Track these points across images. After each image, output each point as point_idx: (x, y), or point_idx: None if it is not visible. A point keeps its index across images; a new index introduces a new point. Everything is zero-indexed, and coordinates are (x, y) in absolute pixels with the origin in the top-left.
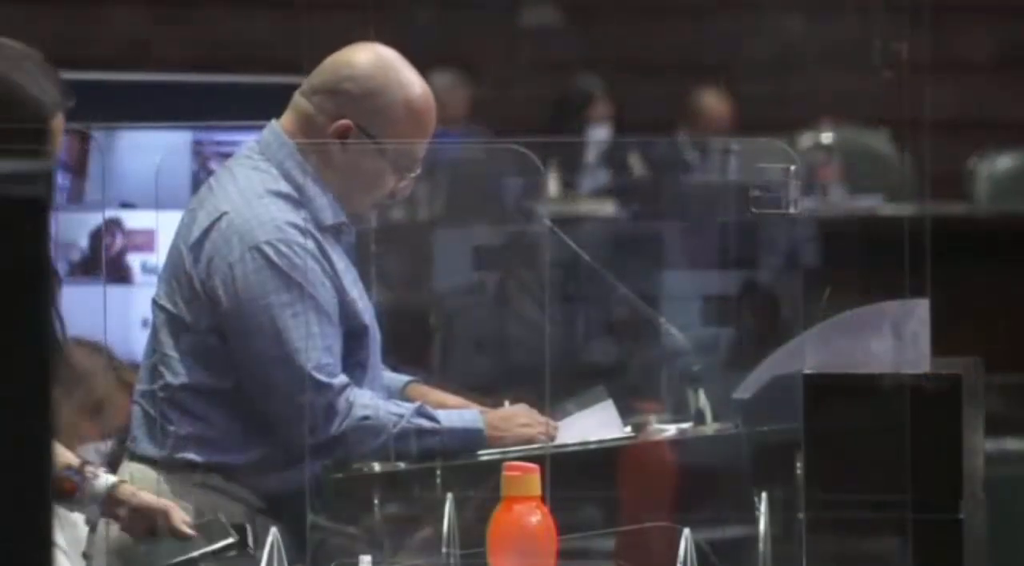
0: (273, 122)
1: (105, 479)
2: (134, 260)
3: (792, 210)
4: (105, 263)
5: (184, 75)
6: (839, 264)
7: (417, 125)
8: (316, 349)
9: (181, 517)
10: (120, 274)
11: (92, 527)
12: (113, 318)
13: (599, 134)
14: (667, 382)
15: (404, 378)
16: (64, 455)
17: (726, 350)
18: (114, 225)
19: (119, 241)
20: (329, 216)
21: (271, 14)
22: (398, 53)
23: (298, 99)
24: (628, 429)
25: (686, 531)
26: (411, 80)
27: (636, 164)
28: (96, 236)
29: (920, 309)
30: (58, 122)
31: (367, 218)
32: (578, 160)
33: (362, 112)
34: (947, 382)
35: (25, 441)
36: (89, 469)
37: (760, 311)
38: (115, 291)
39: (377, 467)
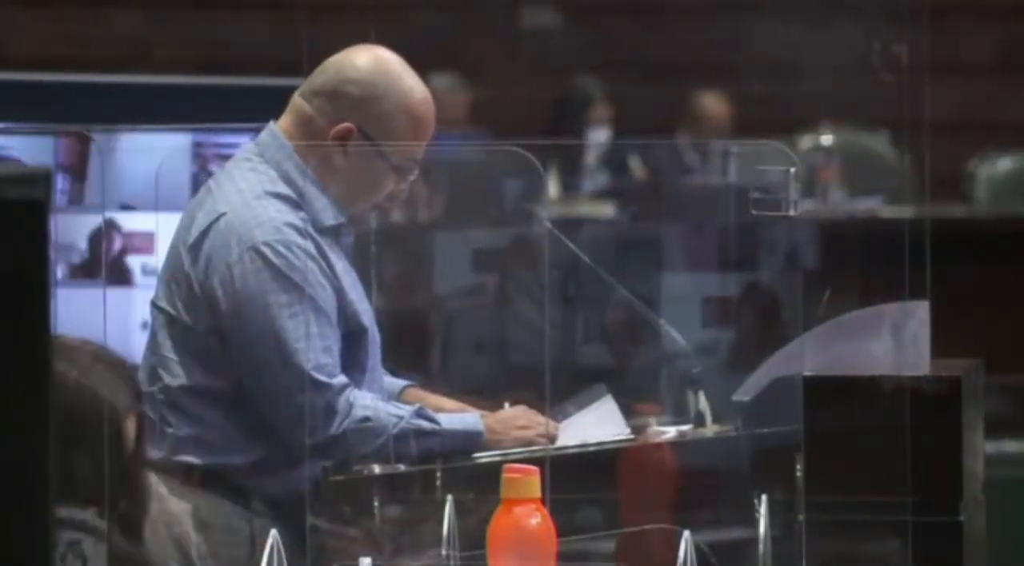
0: (271, 124)
1: None
2: (134, 262)
3: (792, 212)
4: (105, 265)
5: (184, 77)
6: (839, 266)
7: (417, 129)
8: (315, 349)
9: None
10: (120, 276)
11: None
12: (113, 320)
13: (599, 136)
14: (667, 384)
15: (401, 382)
16: None
17: (726, 352)
18: (113, 227)
19: (119, 243)
20: (328, 217)
21: (271, 16)
22: (399, 56)
23: (297, 101)
24: (628, 430)
25: (686, 533)
26: (412, 84)
27: (636, 166)
28: (96, 238)
29: (920, 311)
30: (130, 423)
31: (365, 220)
32: (578, 162)
33: (363, 115)
34: (947, 384)
35: (25, 441)
36: None
37: (760, 313)
38: (115, 293)
39: (377, 469)
